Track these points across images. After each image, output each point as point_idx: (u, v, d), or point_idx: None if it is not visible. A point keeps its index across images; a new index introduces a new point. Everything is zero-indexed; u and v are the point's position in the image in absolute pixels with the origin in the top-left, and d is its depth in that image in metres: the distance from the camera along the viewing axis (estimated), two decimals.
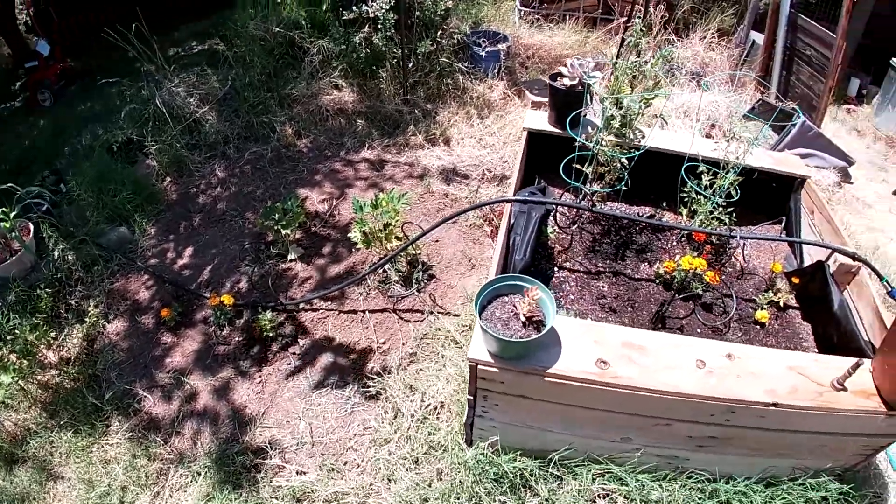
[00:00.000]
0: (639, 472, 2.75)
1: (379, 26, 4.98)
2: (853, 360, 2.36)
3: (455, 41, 5.41)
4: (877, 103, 6.92)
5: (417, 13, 5.09)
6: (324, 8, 5.58)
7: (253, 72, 5.44)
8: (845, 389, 2.39)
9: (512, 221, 2.85)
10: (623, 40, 4.95)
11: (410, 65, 5.12)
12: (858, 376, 2.46)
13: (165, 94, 4.99)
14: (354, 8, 4.93)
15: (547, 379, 2.16)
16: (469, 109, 5.19)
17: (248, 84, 5.36)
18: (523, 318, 2.11)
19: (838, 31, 5.18)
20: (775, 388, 2.32)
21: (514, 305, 2.16)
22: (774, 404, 2.29)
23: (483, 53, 5.39)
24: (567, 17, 6.45)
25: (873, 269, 3.03)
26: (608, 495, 2.75)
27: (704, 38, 6.28)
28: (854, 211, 5.21)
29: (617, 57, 3.20)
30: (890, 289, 2.85)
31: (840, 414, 2.37)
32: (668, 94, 3.19)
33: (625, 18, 4.88)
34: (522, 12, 6.47)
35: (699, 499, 2.80)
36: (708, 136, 4.58)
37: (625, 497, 2.73)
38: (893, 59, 6.35)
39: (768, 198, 3.76)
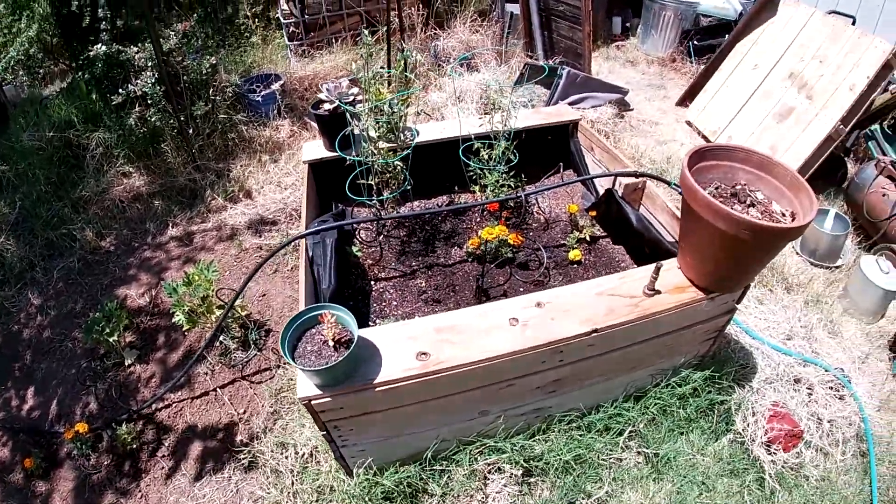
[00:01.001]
0: (512, 436, 2.85)
1: (150, 101, 4.84)
2: (654, 266, 2.56)
3: (229, 94, 5.35)
4: (641, 33, 7.61)
5: (185, 77, 4.99)
6: (93, 97, 5.35)
7: (38, 185, 5.12)
8: (658, 292, 2.60)
9: (311, 254, 2.86)
10: (389, 49, 5.10)
11: (191, 131, 5.02)
12: (670, 276, 2.68)
13: None
14: (121, 90, 4.76)
15: (377, 390, 2.20)
16: (261, 157, 5.16)
17: (36, 200, 5.04)
18: (332, 343, 2.13)
19: None
20: (591, 316, 2.48)
21: (321, 334, 2.18)
22: (594, 331, 2.44)
23: (259, 98, 5.38)
24: (335, 40, 6.56)
25: (656, 178, 3.33)
26: (496, 467, 2.83)
27: (466, 23, 6.59)
28: (642, 133, 5.65)
29: (388, 65, 3.29)
30: (680, 189, 3.13)
31: (663, 315, 2.56)
32: (417, 91, 3.33)
33: (385, 27, 5.05)
34: (292, 47, 6.49)
35: (580, 436, 2.96)
36: (485, 113, 4.85)
37: (510, 462, 2.82)
38: None
39: (553, 149, 4.01)
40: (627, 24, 8.10)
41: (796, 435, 3.09)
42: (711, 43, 7.05)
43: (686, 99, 6.24)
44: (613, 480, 2.94)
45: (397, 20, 5.82)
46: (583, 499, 2.86)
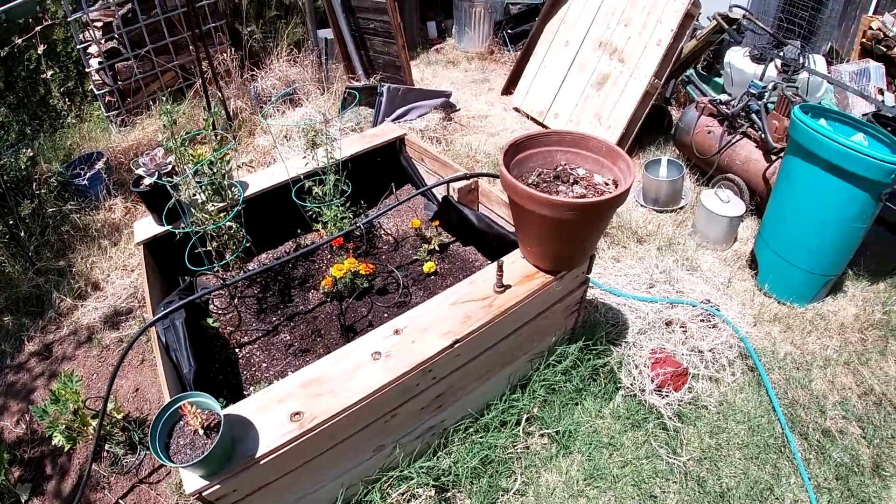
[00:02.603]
0: (415, 460, 2.87)
1: None
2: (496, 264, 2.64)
3: (54, 184, 5.08)
4: (456, 32, 7.89)
5: (3, 177, 4.71)
6: None
7: None
8: (508, 286, 2.68)
9: (164, 341, 2.78)
10: (208, 101, 4.99)
11: (22, 233, 4.71)
12: (517, 267, 2.78)
13: None
14: None
15: (262, 462, 2.17)
16: (100, 242, 4.89)
17: None
18: (202, 431, 2.10)
19: None
20: (450, 328, 2.53)
21: (189, 425, 2.14)
22: (455, 342, 2.49)
23: (86, 182, 5.12)
24: (153, 102, 6.33)
25: (485, 175, 3.47)
26: (409, 494, 2.83)
27: (282, 57, 6.53)
28: (473, 129, 5.83)
29: (228, 120, 3.19)
30: None
31: (518, 307, 2.65)
32: (234, 145, 3.29)
33: (200, 79, 4.92)
34: (111, 118, 6.21)
35: (480, 439, 3.00)
36: (311, 148, 4.88)
37: (421, 486, 2.83)
38: None
39: (386, 169, 4.08)
40: (443, 27, 8.35)
41: (682, 373, 3.28)
42: (525, 29, 7.38)
43: (510, 87, 6.51)
44: (526, 469, 3.03)
45: (210, 69, 5.71)
46: (502, 495, 2.93)
